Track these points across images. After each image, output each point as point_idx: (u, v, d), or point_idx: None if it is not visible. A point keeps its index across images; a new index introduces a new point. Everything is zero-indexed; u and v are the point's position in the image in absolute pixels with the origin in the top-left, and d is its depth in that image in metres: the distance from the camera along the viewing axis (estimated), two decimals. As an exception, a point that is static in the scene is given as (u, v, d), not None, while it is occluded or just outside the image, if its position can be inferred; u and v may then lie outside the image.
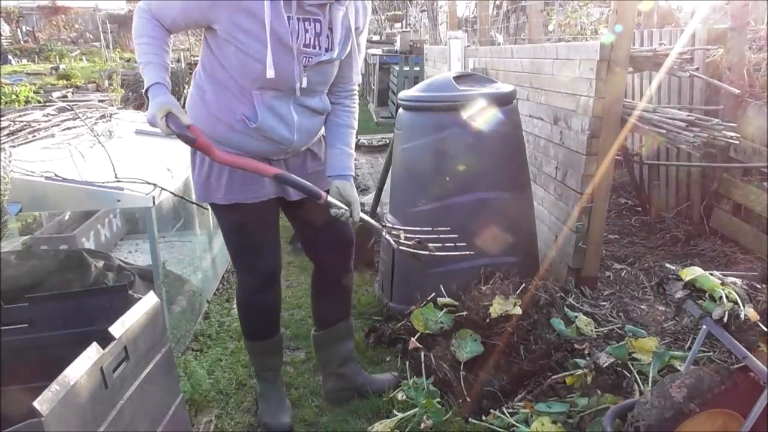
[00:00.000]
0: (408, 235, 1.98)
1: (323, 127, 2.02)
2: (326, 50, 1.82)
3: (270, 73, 1.71)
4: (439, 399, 2.15)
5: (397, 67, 9.64)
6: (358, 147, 6.93)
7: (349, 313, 2.34)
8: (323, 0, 1.75)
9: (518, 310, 2.33)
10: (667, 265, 1.97)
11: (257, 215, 1.97)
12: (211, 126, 1.84)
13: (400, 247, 1.95)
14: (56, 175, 2.27)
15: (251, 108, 1.81)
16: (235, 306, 3.15)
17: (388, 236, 1.96)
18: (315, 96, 1.90)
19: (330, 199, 1.86)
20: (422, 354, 2.33)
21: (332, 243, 2.13)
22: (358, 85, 2.04)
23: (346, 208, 1.88)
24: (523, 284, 2.51)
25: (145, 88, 1.73)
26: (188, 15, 1.76)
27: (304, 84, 1.81)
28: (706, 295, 1.64)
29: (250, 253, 2.03)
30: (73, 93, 9.57)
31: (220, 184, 1.90)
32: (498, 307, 2.34)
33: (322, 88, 1.92)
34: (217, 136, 1.84)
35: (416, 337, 2.40)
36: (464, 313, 2.42)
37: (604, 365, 2.11)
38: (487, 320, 2.34)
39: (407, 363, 2.42)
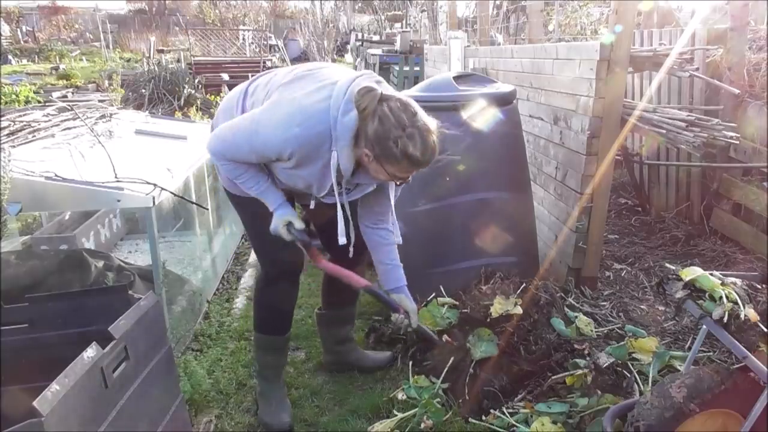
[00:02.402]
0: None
1: None
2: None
3: (342, 239, 1.90)
4: (439, 399, 2.15)
5: (397, 67, 9.63)
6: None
7: (355, 301, 2.49)
8: (365, 182, 1.91)
9: (519, 310, 2.33)
10: (667, 265, 1.97)
11: None
12: None
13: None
14: (56, 175, 2.27)
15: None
16: (235, 306, 3.15)
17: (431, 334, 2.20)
18: None
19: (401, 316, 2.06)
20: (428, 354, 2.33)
21: (353, 247, 2.18)
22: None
23: (401, 317, 2.05)
24: (523, 284, 2.51)
25: (271, 209, 1.94)
26: (251, 159, 1.87)
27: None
28: (706, 295, 1.64)
29: (269, 248, 2.09)
30: (73, 93, 9.57)
31: None
32: (499, 307, 2.34)
33: None
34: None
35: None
36: (467, 309, 2.42)
37: (604, 365, 2.11)
38: (488, 320, 2.34)
39: (409, 363, 2.41)
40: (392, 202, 2.03)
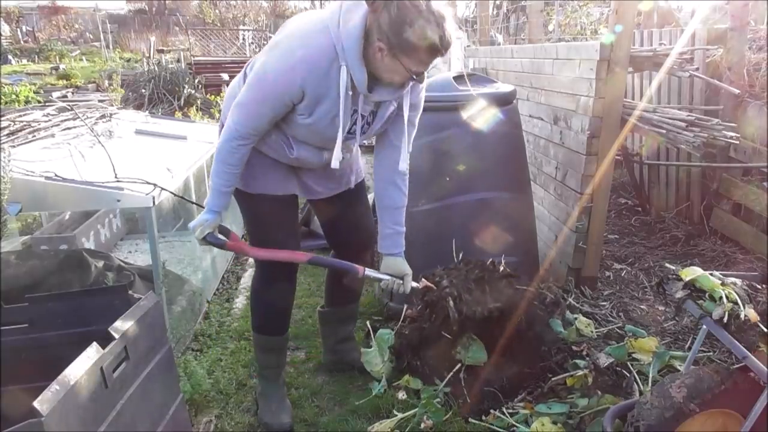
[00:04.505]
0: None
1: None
2: (362, 134, 1.92)
3: (335, 164, 1.82)
4: (439, 399, 2.15)
5: (397, 67, 9.63)
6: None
7: (358, 298, 2.48)
8: (386, 98, 1.84)
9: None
10: (667, 265, 1.97)
11: (279, 206, 2.05)
12: None
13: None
14: (56, 175, 2.27)
15: (288, 142, 1.92)
16: (235, 306, 3.16)
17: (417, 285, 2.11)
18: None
19: (368, 272, 2.02)
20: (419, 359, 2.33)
21: (355, 236, 2.21)
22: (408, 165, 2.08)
23: (394, 279, 2.03)
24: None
25: (206, 204, 1.93)
26: (279, 114, 1.82)
27: (336, 165, 1.87)
28: (706, 295, 1.65)
29: (272, 243, 2.07)
30: (73, 93, 9.58)
31: (251, 175, 1.99)
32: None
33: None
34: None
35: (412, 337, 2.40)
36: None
37: (604, 365, 2.11)
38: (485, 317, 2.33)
39: (406, 364, 2.41)
40: (409, 141, 1.99)
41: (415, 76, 1.74)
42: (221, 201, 1.92)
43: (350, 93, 1.75)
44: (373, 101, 1.85)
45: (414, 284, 2.08)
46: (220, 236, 1.94)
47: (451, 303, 2.15)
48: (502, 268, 2.24)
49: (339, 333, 2.48)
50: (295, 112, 1.81)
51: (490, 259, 2.27)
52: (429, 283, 2.16)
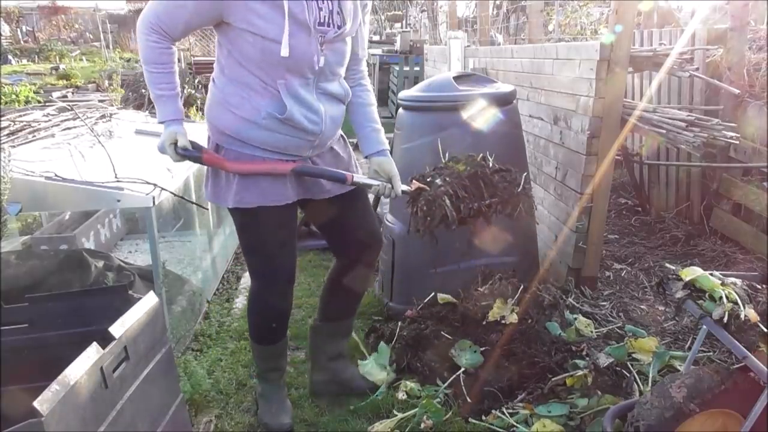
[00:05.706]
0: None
1: (341, 126, 2.06)
2: (338, 27, 1.83)
3: (285, 51, 1.70)
4: (439, 399, 2.15)
5: (397, 67, 9.66)
6: (357, 148, 6.90)
7: (355, 312, 2.37)
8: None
9: (515, 318, 2.31)
10: (667, 265, 1.97)
11: (276, 219, 1.94)
12: (237, 127, 1.84)
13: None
14: (56, 175, 2.27)
15: (277, 101, 1.80)
16: (235, 306, 3.16)
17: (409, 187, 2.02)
18: (334, 80, 1.92)
19: (357, 178, 1.92)
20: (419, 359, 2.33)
21: (359, 233, 2.14)
22: (367, 62, 2.07)
23: (384, 183, 1.95)
24: (522, 286, 2.50)
25: (158, 120, 1.83)
26: (201, 13, 1.72)
27: (322, 63, 1.81)
28: (706, 295, 1.65)
29: (267, 258, 2.01)
30: (73, 93, 9.56)
31: (243, 187, 1.88)
32: (497, 311, 2.34)
33: (339, 70, 1.93)
34: (245, 136, 1.85)
35: (412, 337, 2.40)
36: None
37: (604, 365, 2.11)
38: (485, 322, 2.33)
39: (405, 364, 2.41)
40: (364, 50, 2.01)
41: None
42: (171, 107, 1.80)
43: None
44: None
45: (404, 187, 1.98)
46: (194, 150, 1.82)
47: (447, 202, 1.98)
48: (492, 163, 2.13)
49: (332, 349, 2.32)
50: (243, 29, 1.70)
51: (481, 155, 2.16)
52: (421, 184, 2.01)
